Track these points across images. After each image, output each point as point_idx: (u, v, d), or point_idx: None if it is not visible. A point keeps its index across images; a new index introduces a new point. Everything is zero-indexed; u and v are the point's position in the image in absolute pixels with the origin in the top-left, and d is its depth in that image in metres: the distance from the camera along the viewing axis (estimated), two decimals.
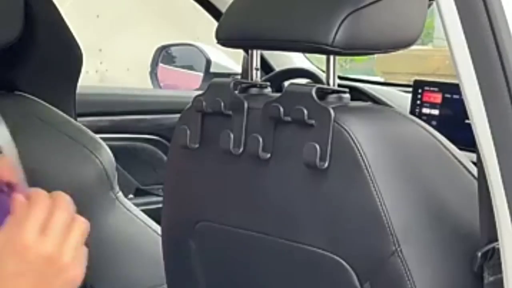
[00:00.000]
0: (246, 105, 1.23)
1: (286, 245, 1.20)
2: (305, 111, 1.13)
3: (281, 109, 1.17)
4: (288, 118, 1.16)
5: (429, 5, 1.26)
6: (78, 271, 0.96)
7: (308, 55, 2.44)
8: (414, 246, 1.10)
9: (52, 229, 0.94)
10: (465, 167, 1.18)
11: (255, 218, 1.21)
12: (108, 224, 1.58)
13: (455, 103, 1.94)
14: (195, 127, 1.30)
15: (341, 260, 1.13)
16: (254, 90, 1.30)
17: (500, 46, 0.99)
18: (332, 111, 1.12)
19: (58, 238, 0.94)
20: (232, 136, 1.23)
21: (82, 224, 0.97)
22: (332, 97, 1.19)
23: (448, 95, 1.97)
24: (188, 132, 1.31)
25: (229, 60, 2.60)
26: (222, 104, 1.25)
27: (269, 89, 1.32)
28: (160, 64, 2.69)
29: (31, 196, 0.96)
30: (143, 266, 1.60)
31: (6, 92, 1.60)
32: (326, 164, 1.11)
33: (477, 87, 0.99)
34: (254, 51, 1.32)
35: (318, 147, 1.11)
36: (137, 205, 1.68)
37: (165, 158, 2.33)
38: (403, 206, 1.10)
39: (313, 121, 1.13)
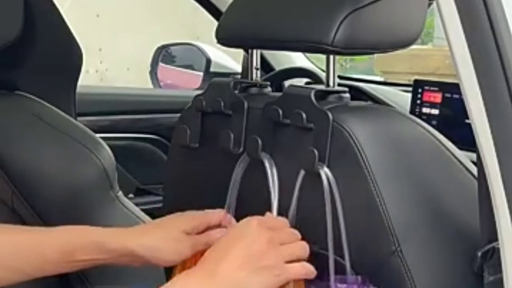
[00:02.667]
0: (246, 104, 1.23)
1: None
2: (304, 115, 1.13)
3: (280, 112, 1.17)
4: (287, 121, 1.16)
5: (429, 5, 1.26)
6: None
7: (308, 54, 2.44)
8: (414, 246, 1.09)
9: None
10: (465, 167, 1.18)
11: None
12: (108, 224, 1.58)
13: (455, 103, 1.94)
14: (195, 126, 1.30)
15: (341, 260, 1.13)
16: (254, 90, 1.30)
17: (500, 46, 0.99)
18: (330, 115, 1.11)
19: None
20: (232, 135, 1.23)
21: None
22: (332, 97, 1.19)
23: (448, 95, 1.97)
24: (188, 131, 1.31)
25: (229, 60, 2.60)
26: (222, 103, 1.25)
27: (269, 89, 1.32)
28: (160, 64, 2.68)
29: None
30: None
31: (6, 92, 1.60)
32: (325, 168, 1.11)
33: (477, 87, 0.99)
34: (254, 51, 1.32)
35: (316, 152, 1.11)
36: (137, 204, 1.68)
37: (165, 157, 2.32)
38: (403, 206, 1.10)
39: (311, 125, 1.13)
